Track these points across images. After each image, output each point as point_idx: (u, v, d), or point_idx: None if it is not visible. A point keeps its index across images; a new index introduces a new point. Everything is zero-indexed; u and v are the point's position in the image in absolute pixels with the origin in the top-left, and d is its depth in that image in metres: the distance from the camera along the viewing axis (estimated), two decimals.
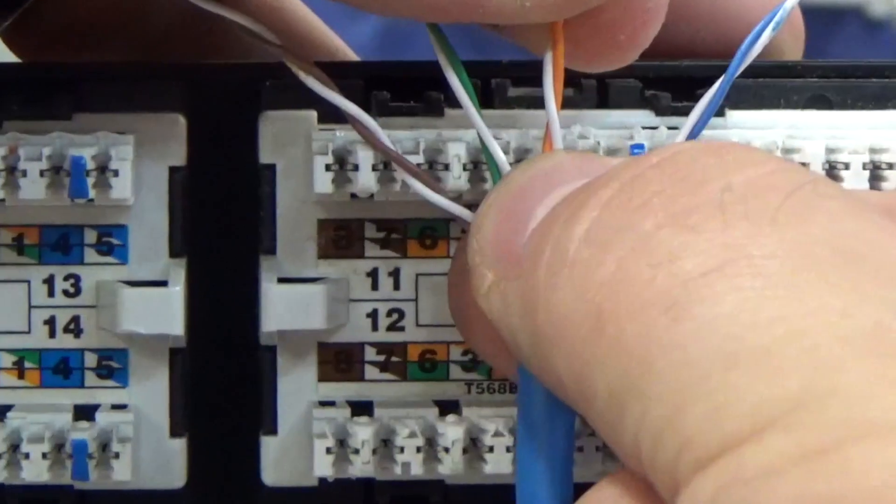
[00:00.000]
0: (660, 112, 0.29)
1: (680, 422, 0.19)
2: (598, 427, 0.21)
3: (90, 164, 0.27)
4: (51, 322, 0.29)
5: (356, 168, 0.27)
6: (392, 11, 0.24)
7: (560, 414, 0.24)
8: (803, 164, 0.28)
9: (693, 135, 0.26)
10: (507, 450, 0.28)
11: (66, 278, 0.29)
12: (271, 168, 0.29)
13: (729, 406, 0.18)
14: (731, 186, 0.21)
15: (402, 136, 0.27)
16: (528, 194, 0.24)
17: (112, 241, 0.29)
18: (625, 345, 0.20)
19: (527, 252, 0.23)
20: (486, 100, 0.29)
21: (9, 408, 0.28)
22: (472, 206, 0.28)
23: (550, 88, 0.25)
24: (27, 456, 0.27)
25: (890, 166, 0.28)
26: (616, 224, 0.21)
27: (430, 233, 0.29)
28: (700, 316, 0.19)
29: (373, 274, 0.29)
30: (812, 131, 0.28)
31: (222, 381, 0.29)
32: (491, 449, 0.28)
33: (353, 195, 0.28)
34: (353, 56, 0.38)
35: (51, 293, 0.29)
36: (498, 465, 0.28)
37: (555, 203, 0.23)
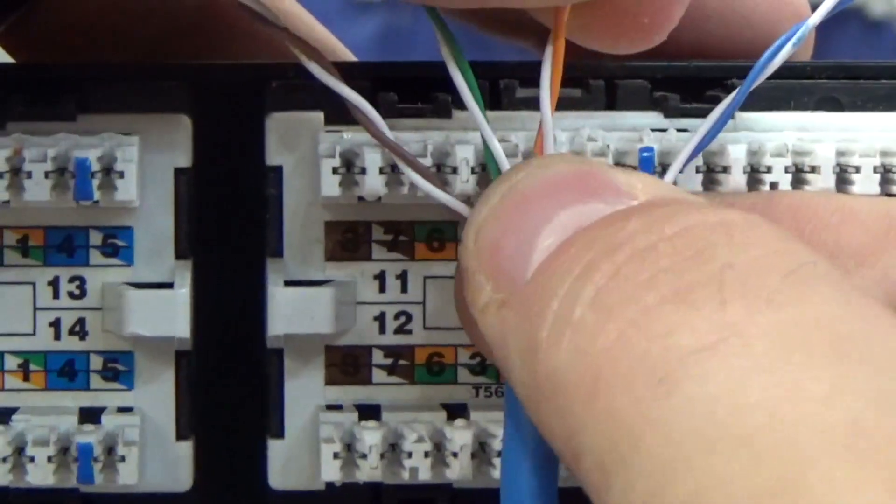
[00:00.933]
0: (668, 114, 0.29)
1: (661, 502, 0.19)
2: (583, 483, 0.21)
3: (95, 166, 0.27)
4: (56, 324, 0.29)
5: (363, 171, 0.27)
6: None
7: None
8: (814, 168, 0.28)
9: (702, 146, 0.26)
10: None
11: (71, 280, 0.29)
12: (278, 170, 0.28)
13: (707, 492, 0.18)
14: (734, 265, 0.21)
15: (410, 139, 0.27)
16: (531, 209, 0.23)
17: (117, 243, 0.29)
18: (616, 414, 0.20)
19: (534, 294, 0.23)
20: (494, 101, 0.29)
21: (14, 410, 0.28)
22: None
23: (547, 86, 0.25)
24: (32, 459, 0.27)
25: None
26: (622, 294, 0.21)
27: (438, 235, 0.29)
28: (688, 394, 0.19)
29: (380, 276, 0.29)
30: (822, 133, 0.28)
31: (229, 383, 0.29)
32: (499, 453, 0.28)
33: (361, 198, 0.28)
34: (351, 57, 0.38)
35: (56, 295, 0.29)
36: None
37: (561, 230, 0.23)
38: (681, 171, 0.27)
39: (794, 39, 0.26)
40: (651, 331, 0.21)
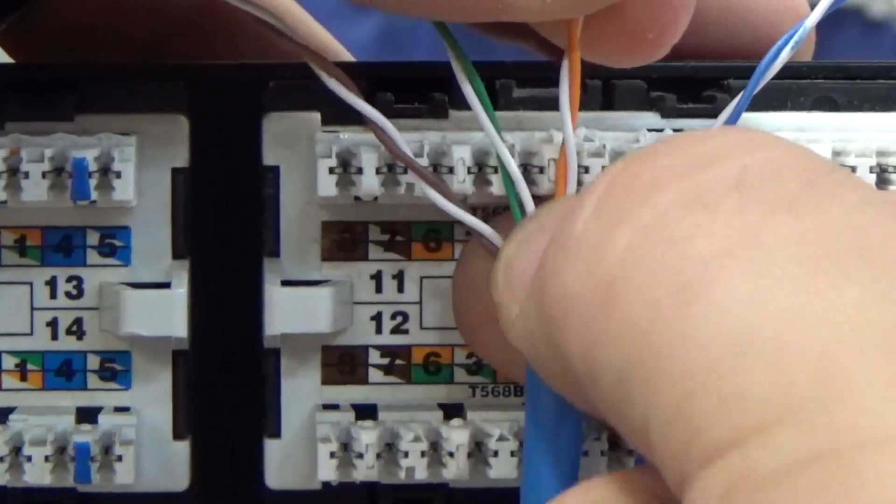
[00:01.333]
0: (665, 114, 0.29)
1: (688, 411, 0.18)
2: (604, 408, 0.20)
3: (92, 166, 0.27)
4: (53, 324, 0.29)
5: (360, 171, 0.27)
6: (409, 9, 0.24)
7: (568, 416, 0.24)
8: None
9: None
10: (512, 454, 0.27)
11: (68, 280, 0.29)
12: (275, 170, 0.28)
13: (737, 398, 0.18)
14: (749, 166, 0.20)
15: (407, 139, 0.27)
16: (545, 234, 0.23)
17: (115, 243, 0.29)
18: (634, 325, 0.19)
19: (535, 236, 0.22)
20: (490, 101, 0.29)
21: (11, 410, 0.28)
22: (477, 210, 0.28)
23: (567, 105, 0.25)
24: (29, 459, 0.27)
25: None
26: (625, 200, 0.21)
27: (435, 235, 0.29)
28: (712, 300, 0.19)
29: (377, 277, 0.29)
30: (819, 133, 0.28)
31: (226, 383, 0.29)
32: (496, 453, 0.28)
33: (357, 198, 0.28)
34: (349, 58, 0.38)
35: (53, 295, 0.29)
36: (503, 469, 0.27)
37: None
38: None
39: (792, 42, 0.26)
40: (664, 236, 0.20)
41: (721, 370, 0.18)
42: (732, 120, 0.26)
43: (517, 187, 0.26)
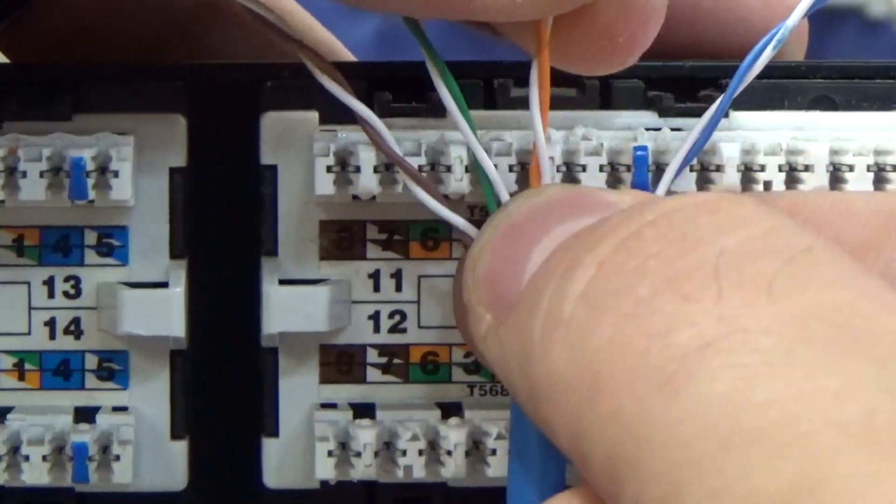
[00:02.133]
0: (663, 113, 0.29)
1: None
2: (595, 485, 0.21)
3: (90, 165, 0.27)
4: (51, 324, 0.29)
5: (357, 170, 0.27)
6: (381, 5, 0.24)
7: (553, 449, 0.24)
8: (807, 167, 0.28)
9: (695, 151, 0.26)
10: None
11: (66, 280, 0.29)
12: (272, 169, 0.28)
13: (724, 492, 0.18)
14: (726, 250, 0.21)
15: (404, 138, 0.27)
16: (522, 235, 0.23)
17: (112, 243, 0.29)
18: (621, 417, 0.20)
19: (523, 301, 0.23)
20: (488, 100, 0.29)
21: (9, 410, 0.28)
22: (474, 209, 0.28)
23: (536, 106, 0.25)
24: (27, 458, 0.27)
25: (895, 168, 0.28)
26: (612, 286, 0.21)
27: (432, 234, 0.29)
28: (694, 394, 0.19)
29: (375, 276, 0.29)
30: (816, 133, 0.28)
31: (223, 383, 0.29)
32: (493, 452, 0.28)
33: (355, 196, 0.28)
34: (350, 58, 0.38)
35: (51, 295, 0.29)
36: (500, 467, 0.28)
37: (551, 246, 0.23)
38: (671, 183, 0.27)
39: (773, 42, 0.26)
40: (648, 327, 0.20)
41: (705, 465, 0.19)
42: (716, 118, 0.26)
43: (494, 185, 0.26)
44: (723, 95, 0.26)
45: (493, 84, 0.29)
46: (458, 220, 0.26)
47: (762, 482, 0.18)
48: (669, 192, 0.26)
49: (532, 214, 0.23)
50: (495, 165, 0.26)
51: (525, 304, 0.22)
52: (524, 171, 0.27)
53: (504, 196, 0.25)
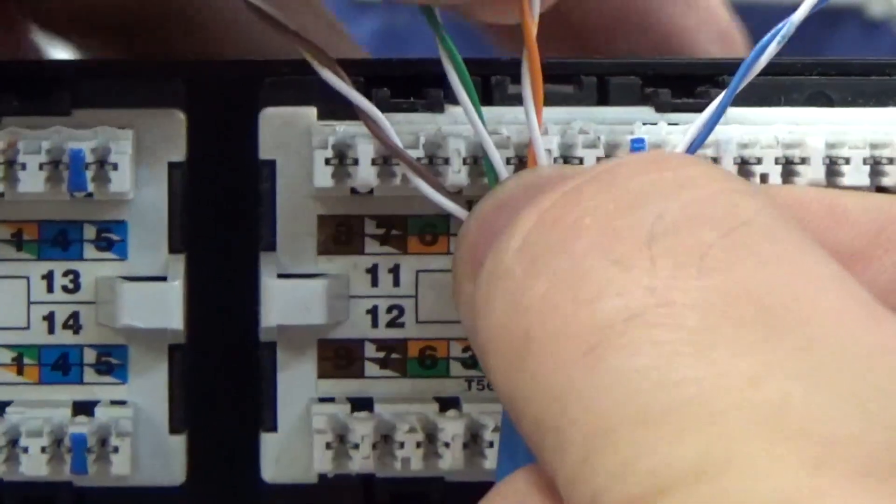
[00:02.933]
0: (660, 108, 0.29)
1: (590, 472, 0.19)
2: (528, 440, 0.21)
3: (89, 158, 0.27)
4: (50, 318, 0.29)
5: (356, 162, 0.27)
6: None
7: None
8: (804, 160, 0.28)
9: (694, 147, 0.26)
10: None
11: (65, 274, 0.29)
12: (271, 164, 0.29)
13: (634, 464, 0.18)
14: (664, 214, 0.21)
15: (402, 131, 0.27)
16: (506, 208, 0.24)
17: (111, 237, 0.29)
18: (545, 380, 0.20)
19: (473, 257, 0.23)
20: (486, 97, 0.29)
21: (8, 404, 0.28)
22: (472, 202, 0.28)
23: (530, 98, 0.25)
24: (26, 450, 0.27)
25: (891, 161, 0.28)
26: (547, 241, 0.21)
27: (431, 229, 0.29)
28: (615, 366, 0.19)
29: (373, 270, 0.29)
30: (812, 128, 0.28)
31: (222, 377, 0.29)
32: (491, 444, 0.28)
33: (354, 190, 0.28)
34: (354, 45, 0.38)
35: (50, 289, 0.29)
36: None
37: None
38: None
39: (777, 38, 0.26)
40: (578, 291, 0.20)
41: (618, 438, 0.19)
42: (717, 114, 0.26)
43: (499, 175, 0.26)
44: (725, 90, 0.26)
45: (490, 81, 0.29)
46: (459, 211, 0.26)
47: (669, 458, 0.18)
48: None
49: (522, 191, 0.24)
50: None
51: (472, 260, 0.23)
52: (522, 165, 0.27)
53: None
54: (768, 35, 0.26)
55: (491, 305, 0.22)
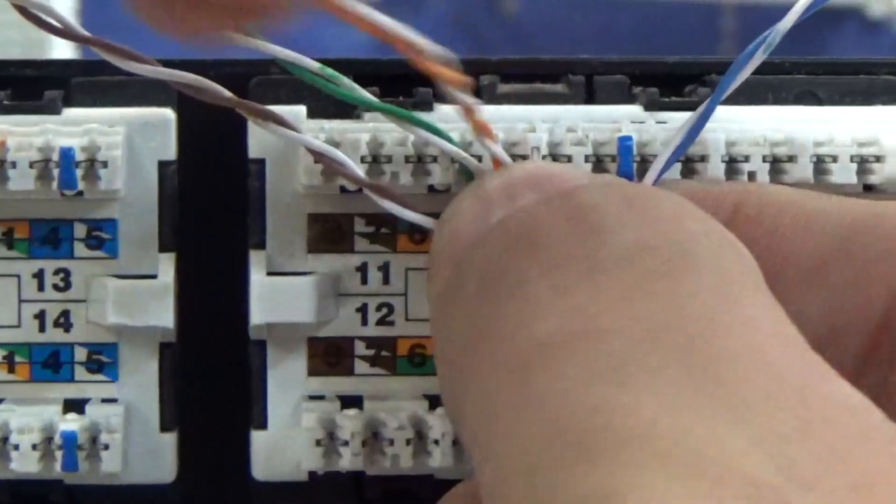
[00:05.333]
0: (648, 107, 0.29)
1: (505, 494, 0.19)
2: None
3: (80, 156, 0.27)
4: (41, 316, 0.29)
5: None
6: None
7: None
8: (791, 157, 0.28)
9: (680, 152, 0.27)
10: None
11: (55, 273, 0.29)
12: (260, 163, 0.29)
13: (542, 490, 0.18)
14: (613, 243, 0.21)
15: (391, 129, 0.27)
16: (488, 203, 0.24)
17: (102, 236, 0.29)
18: (478, 395, 0.20)
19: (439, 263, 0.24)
20: (476, 96, 0.29)
21: None
22: None
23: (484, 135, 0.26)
24: (16, 447, 0.28)
25: (878, 159, 0.28)
26: (500, 261, 0.22)
27: (420, 228, 0.29)
28: (538, 389, 0.19)
29: (362, 268, 0.29)
30: (800, 126, 0.29)
31: (212, 375, 0.29)
32: None
33: (343, 189, 0.28)
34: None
35: (41, 287, 0.29)
36: None
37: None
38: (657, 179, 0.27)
39: (763, 46, 0.26)
40: (519, 312, 0.21)
41: (529, 461, 0.19)
42: (704, 117, 0.26)
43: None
44: (712, 95, 0.26)
45: (479, 81, 0.29)
46: (428, 222, 0.26)
47: (571, 485, 0.18)
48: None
49: (493, 191, 0.24)
50: (479, 158, 0.26)
51: (439, 267, 0.23)
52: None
53: None
54: (753, 44, 0.26)
55: (444, 319, 0.22)
